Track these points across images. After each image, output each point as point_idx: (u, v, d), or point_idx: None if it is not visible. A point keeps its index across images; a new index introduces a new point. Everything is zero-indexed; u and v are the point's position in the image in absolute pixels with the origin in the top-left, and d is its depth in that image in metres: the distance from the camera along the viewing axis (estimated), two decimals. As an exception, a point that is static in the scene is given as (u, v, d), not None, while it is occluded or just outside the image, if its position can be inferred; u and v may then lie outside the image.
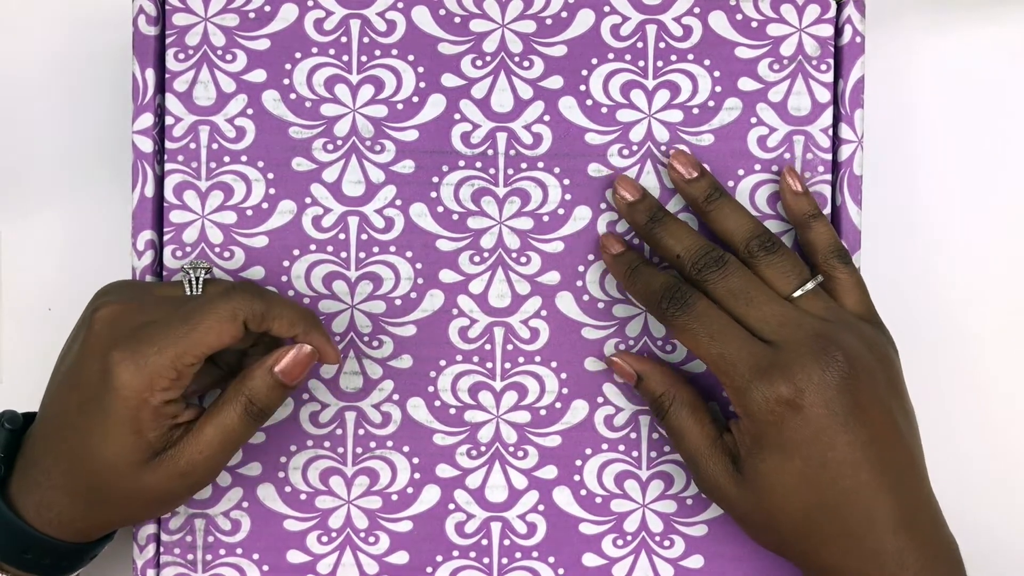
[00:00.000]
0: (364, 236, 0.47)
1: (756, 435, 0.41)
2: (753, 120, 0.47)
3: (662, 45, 0.47)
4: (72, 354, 0.42)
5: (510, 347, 0.47)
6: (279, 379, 0.42)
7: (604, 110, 0.47)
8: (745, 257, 0.44)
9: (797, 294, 0.43)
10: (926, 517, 0.42)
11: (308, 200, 0.47)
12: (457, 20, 0.47)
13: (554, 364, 0.47)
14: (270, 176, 0.47)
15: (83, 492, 0.42)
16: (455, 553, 0.47)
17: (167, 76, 0.47)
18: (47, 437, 0.42)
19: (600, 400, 0.47)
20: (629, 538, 0.47)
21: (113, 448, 0.41)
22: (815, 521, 0.41)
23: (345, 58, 0.47)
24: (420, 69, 0.47)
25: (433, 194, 0.47)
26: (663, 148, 0.47)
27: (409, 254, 0.47)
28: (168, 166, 0.47)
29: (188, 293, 0.43)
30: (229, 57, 0.47)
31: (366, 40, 0.47)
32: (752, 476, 0.42)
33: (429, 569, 0.47)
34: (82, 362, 0.41)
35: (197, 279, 0.43)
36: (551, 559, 0.47)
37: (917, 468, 0.42)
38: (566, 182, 0.47)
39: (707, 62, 0.47)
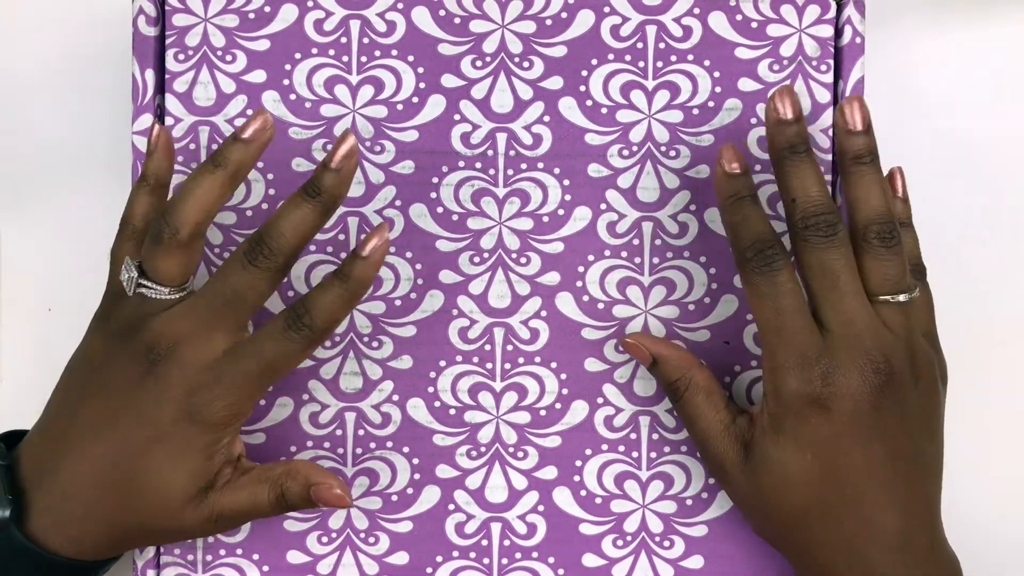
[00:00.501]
0: (364, 236, 0.47)
1: (777, 418, 0.41)
2: (753, 121, 0.47)
3: (662, 46, 0.47)
4: (143, 392, 0.41)
5: (510, 347, 0.47)
6: (311, 498, 0.43)
7: (604, 111, 0.47)
8: (858, 237, 0.42)
9: (884, 298, 0.42)
10: (926, 541, 0.42)
11: (308, 201, 0.47)
12: (457, 21, 0.47)
13: (554, 364, 0.47)
14: (270, 176, 0.47)
15: (125, 526, 0.42)
16: (455, 554, 0.47)
17: (167, 77, 0.47)
18: (93, 472, 0.42)
19: (600, 400, 0.47)
20: (629, 538, 0.47)
21: (178, 481, 0.41)
22: (813, 519, 0.41)
23: (345, 59, 0.47)
24: (420, 70, 0.47)
25: (433, 195, 0.47)
26: (662, 148, 0.47)
27: (409, 255, 0.47)
28: (168, 167, 0.47)
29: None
30: (229, 58, 0.47)
31: (366, 41, 0.47)
32: (760, 459, 0.42)
33: (429, 570, 0.47)
34: (159, 404, 0.41)
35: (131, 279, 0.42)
36: (551, 559, 0.47)
37: (928, 496, 0.42)
38: (566, 183, 0.47)
39: (707, 63, 0.47)
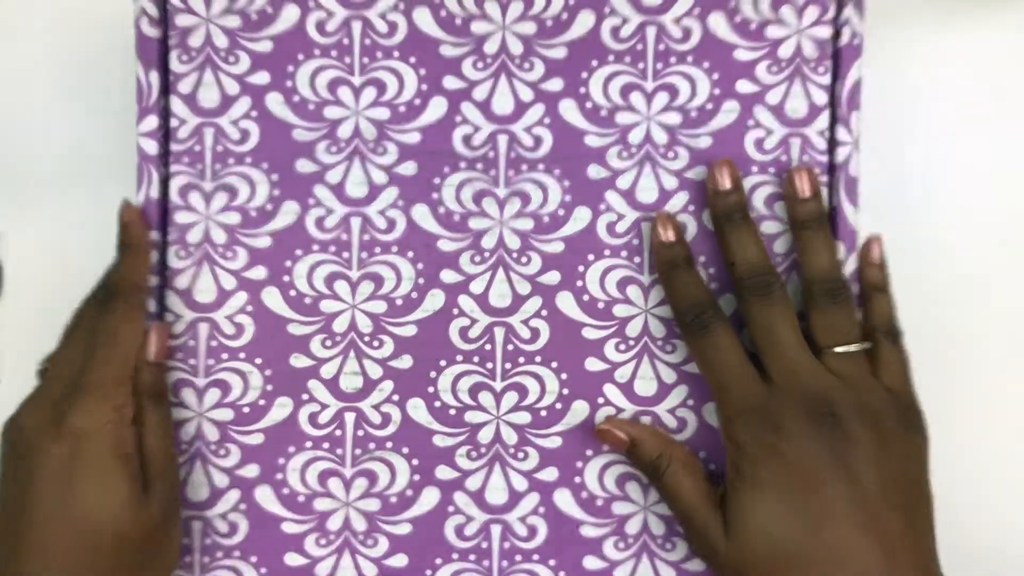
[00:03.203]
0: (366, 237, 0.47)
1: (738, 467, 0.42)
2: (750, 123, 0.47)
3: (662, 47, 0.47)
4: (23, 474, 0.42)
5: (510, 347, 0.47)
6: (158, 361, 0.46)
7: (603, 113, 0.47)
8: (807, 295, 0.44)
9: (837, 350, 0.43)
10: None
11: (312, 201, 0.47)
12: (458, 22, 0.47)
13: (554, 364, 0.47)
14: (274, 178, 0.47)
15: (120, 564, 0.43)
16: (455, 556, 0.47)
17: (171, 78, 0.47)
18: (35, 543, 0.42)
19: (601, 401, 0.47)
20: (630, 540, 0.47)
21: (115, 494, 0.42)
22: (796, 568, 0.41)
23: (347, 60, 0.47)
24: (422, 71, 0.47)
25: (435, 195, 0.47)
26: (661, 150, 0.47)
27: (410, 254, 0.47)
28: (173, 168, 0.47)
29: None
30: (232, 59, 0.47)
31: (368, 42, 0.47)
32: (734, 515, 0.42)
33: (428, 572, 0.47)
34: (41, 463, 0.42)
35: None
36: (552, 562, 0.47)
37: (915, 540, 0.41)
38: (566, 183, 0.47)
39: (706, 64, 0.47)
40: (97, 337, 0.44)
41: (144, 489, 0.43)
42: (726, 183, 0.46)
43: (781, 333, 0.43)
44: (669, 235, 0.46)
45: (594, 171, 0.47)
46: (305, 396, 0.47)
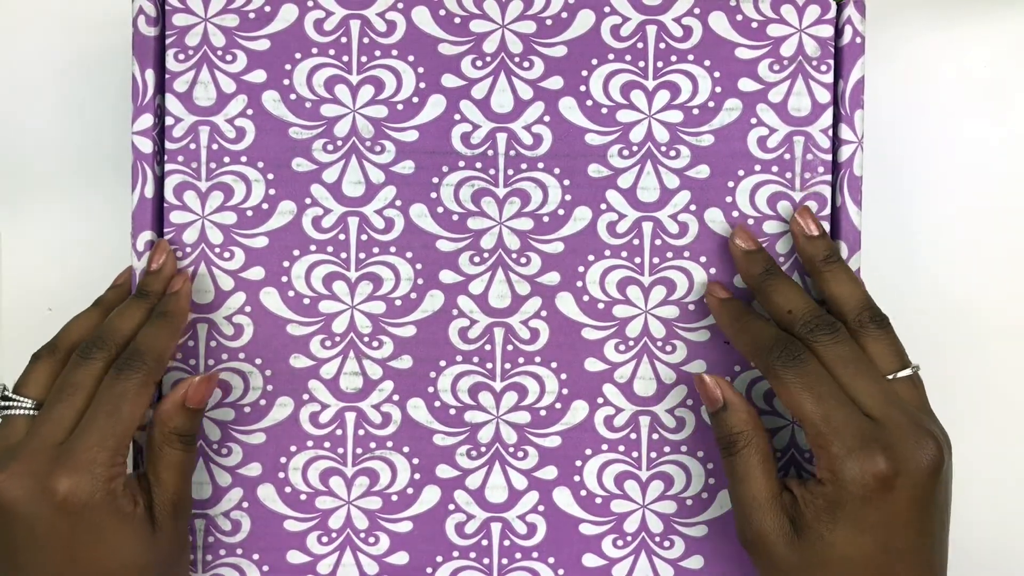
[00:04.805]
0: (364, 236, 0.47)
1: (835, 503, 0.40)
2: (753, 121, 0.47)
3: (662, 46, 0.47)
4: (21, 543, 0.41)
5: (510, 347, 0.47)
6: (193, 408, 0.44)
7: (604, 111, 0.47)
8: (854, 326, 0.43)
9: (893, 376, 0.43)
10: None
11: (308, 200, 0.47)
12: (457, 21, 0.47)
13: (554, 364, 0.47)
14: (270, 176, 0.47)
15: None
16: (455, 554, 0.47)
17: (167, 77, 0.47)
18: None
19: (600, 400, 0.47)
20: (629, 539, 0.47)
21: (121, 553, 0.42)
22: None
23: (345, 58, 0.47)
24: (420, 70, 0.47)
25: (433, 195, 0.47)
26: (663, 149, 0.47)
27: (409, 255, 0.47)
28: (168, 167, 0.47)
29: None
30: (229, 57, 0.47)
31: (366, 40, 0.47)
32: (813, 540, 0.41)
33: (429, 570, 0.47)
34: (37, 528, 0.41)
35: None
36: (551, 559, 0.47)
37: (933, 563, 0.42)
38: (566, 183, 0.47)
39: (707, 63, 0.47)
40: (102, 405, 0.42)
41: (153, 527, 0.43)
42: (750, 244, 0.46)
43: (863, 364, 0.42)
44: (724, 292, 0.46)
45: (594, 170, 0.47)
46: (306, 396, 0.47)
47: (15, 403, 0.43)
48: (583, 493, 0.47)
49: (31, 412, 0.43)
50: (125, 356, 0.43)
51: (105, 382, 0.42)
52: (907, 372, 0.43)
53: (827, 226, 0.47)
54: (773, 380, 0.42)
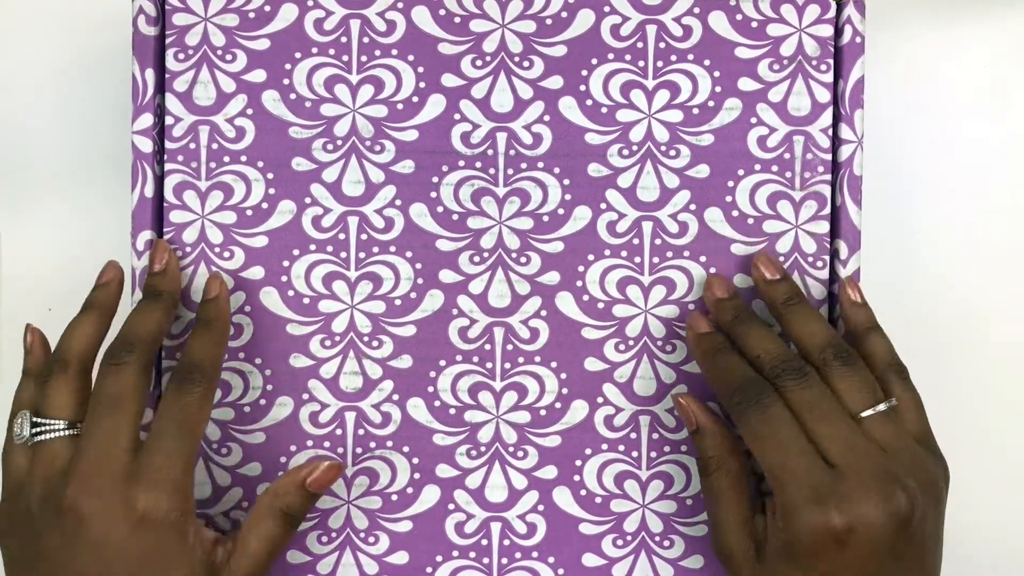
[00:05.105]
0: (364, 236, 0.47)
1: (790, 547, 0.40)
2: (753, 120, 0.47)
3: (662, 45, 0.47)
4: (88, 535, 0.40)
5: (510, 347, 0.47)
6: (311, 491, 0.44)
7: (604, 110, 0.47)
8: (819, 365, 0.43)
9: (866, 414, 0.42)
10: None
11: (308, 200, 0.47)
12: (457, 20, 0.47)
13: (554, 364, 0.47)
14: (270, 176, 0.47)
15: None
16: (455, 553, 0.47)
17: (167, 76, 0.47)
18: None
19: (600, 400, 0.47)
20: (629, 538, 0.47)
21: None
22: None
23: (345, 58, 0.47)
24: (420, 69, 0.47)
25: (433, 194, 0.47)
26: (662, 148, 0.47)
27: (409, 254, 0.47)
28: (168, 166, 0.47)
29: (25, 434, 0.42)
30: (229, 57, 0.47)
31: (366, 40, 0.47)
32: (771, 571, 0.41)
33: (429, 569, 0.47)
34: (109, 533, 0.40)
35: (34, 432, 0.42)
36: (551, 559, 0.47)
37: None
38: (566, 182, 0.47)
39: (707, 62, 0.47)
40: (169, 421, 0.42)
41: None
42: (724, 293, 0.46)
43: (828, 408, 0.41)
44: (703, 329, 0.45)
45: (594, 169, 0.47)
46: (305, 396, 0.47)
47: (47, 426, 0.42)
48: (583, 493, 0.47)
49: (67, 433, 0.42)
50: (183, 371, 0.43)
51: (167, 398, 0.42)
52: (877, 408, 0.42)
53: (827, 226, 0.47)
54: (737, 421, 0.42)
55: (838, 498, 0.39)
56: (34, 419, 0.42)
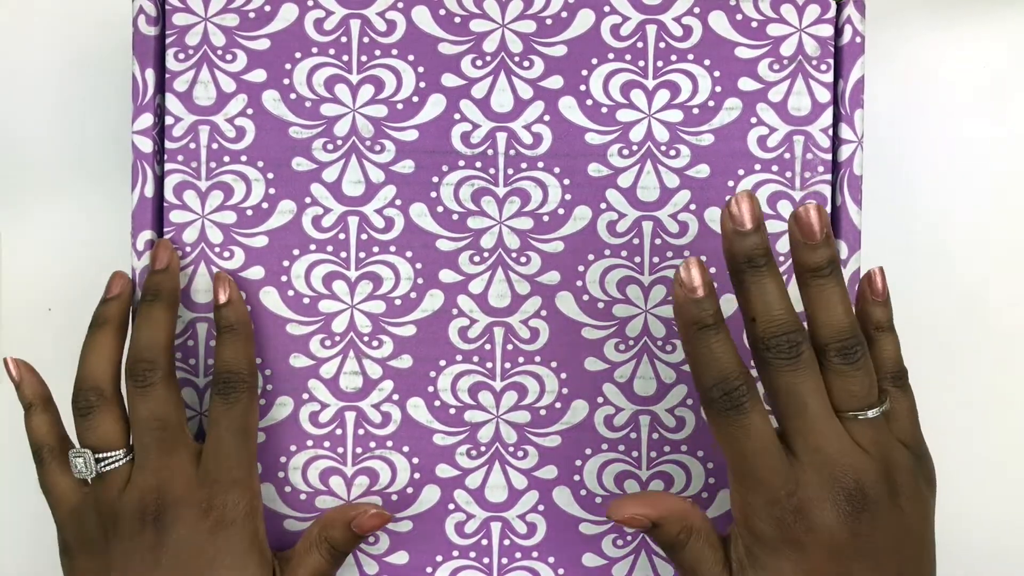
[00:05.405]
0: (364, 236, 0.47)
1: (754, 554, 0.40)
2: (753, 120, 0.47)
3: (662, 45, 0.47)
4: (171, 547, 0.42)
5: (510, 347, 0.47)
6: (356, 532, 0.45)
7: (604, 110, 0.47)
8: (821, 352, 0.40)
9: (852, 415, 0.39)
10: None
11: (308, 200, 0.47)
12: (457, 20, 0.47)
13: (554, 364, 0.47)
14: (270, 176, 0.47)
15: None
16: (455, 553, 0.47)
17: (167, 76, 0.47)
18: None
19: (600, 400, 0.47)
20: (629, 538, 0.47)
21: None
22: None
23: (345, 58, 0.47)
24: (420, 69, 0.47)
25: (433, 194, 0.47)
26: (662, 148, 0.47)
27: (409, 254, 0.47)
28: (168, 166, 0.47)
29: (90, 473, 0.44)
30: (229, 57, 0.47)
31: (366, 40, 0.47)
32: None
33: (429, 569, 0.47)
34: (190, 539, 0.43)
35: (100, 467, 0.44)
36: (551, 559, 0.47)
37: None
38: (566, 182, 0.47)
39: (707, 62, 0.47)
40: (222, 431, 0.44)
41: None
42: (747, 221, 0.39)
43: (810, 404, 0.39)
44: (696, 287, 0.39)
45: (594, 169, 0.47)
46: (305, 396, 0.47)
47: (108, 459, 0.44)
48: (583, 492, 0.47)
49: (126, 460, 0.44)
50: (222, 382, 0.44)
51: (215, 411, 0.44)
52: (868, 414, 0.39)
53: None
54: (707, 414, 0.40)
55: (792, 504, 0.38)
56: (98, 456, 0.44)
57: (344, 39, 0.47)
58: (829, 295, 0.39)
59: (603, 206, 0.47)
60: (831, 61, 0.47)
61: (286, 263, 0.47)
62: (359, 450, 0.47)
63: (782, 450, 0.39)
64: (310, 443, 0.47)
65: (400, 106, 0.47)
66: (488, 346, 0.47)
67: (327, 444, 0.47)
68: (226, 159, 0.47)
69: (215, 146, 0.47)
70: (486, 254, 0.47)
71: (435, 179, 0.47)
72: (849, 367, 0.39)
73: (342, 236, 0.47)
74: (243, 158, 0.47)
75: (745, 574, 0.40)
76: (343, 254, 0.47)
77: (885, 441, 0.40)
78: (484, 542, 0.47)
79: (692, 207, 0.47)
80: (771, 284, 0.39)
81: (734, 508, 0.40)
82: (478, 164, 0.47)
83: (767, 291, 0.39)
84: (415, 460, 0.47)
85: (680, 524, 0.41)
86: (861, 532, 0.38)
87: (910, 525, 0.39)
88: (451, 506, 0.47)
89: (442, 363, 0.47)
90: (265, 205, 0.47)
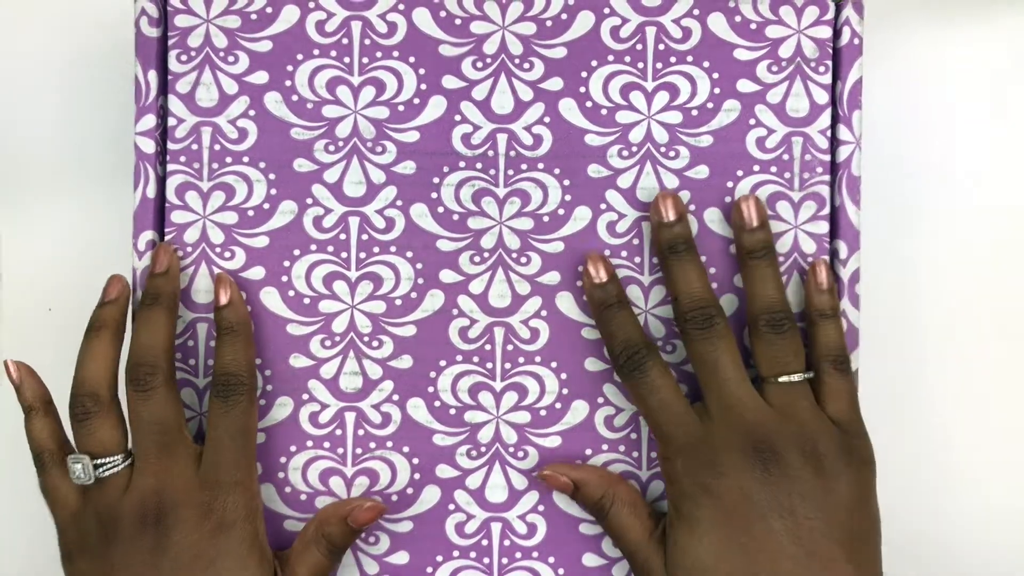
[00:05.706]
0: (365, 236, 0.47)
1: (676, 505, 0.43)
2: (752, 121, 0.47)
3: (661, 47, 0.47)
4: (171, 549, 0.43)
5: (510, 347, 0.47)
6: (352, 527, 0.45)
7: (604, 111, 0.47)
8: (751, 325, 0.45)
9: (780, 380, 0.44)
10: None
11: (309, 200, 0.47)
12: (458, 22, 0.47)
13: (554, 364, 0.47)
14: (271, 177, 0.47)
15: None
16: (455, 553, 0.47)
17: (169, 78, 0.47)
18: None
19: (600, 400, 0.47)
20: (629, 538, 0.47)
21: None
22: None
23: (346, 60, 0.47)
24: (421, 71, 0.47)
25: (434, 195, 0.47)
26: (662, 149, 0.47)
27: (409, 254, 0.47)
28: (170, 167, 0.47)
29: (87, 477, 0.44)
30: (231, 59, 0.47)
31: (367, 42, 0.47)
32: (673, 548, 0.43)
33: (429, 569, 0.47)
34: (191, 542, 0.43)
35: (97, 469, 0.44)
36: (551, 559, 0.47)
37: (861, 573, 0.41)
38: (566, 183, 0.47)
39: (706, 64, 0.47)
40: (221, 433, 0.44)
41: None
42: (670, 215, 0.45)
43: (722, 367, 0.43)
44: (601, 275, 0.45)
45: (594, 170, 0.47)
46: (305, 396, 0.47)
47: (107, 464, 0.44)
48: (583, 493, 0.47)
49: (125, 464, 0.44)
50: (222, 383, 0.44)
51: (215, 413, 0.44)
52: (792, 378, 0.43)
53: (826, 226, 0.47)
54: (621, 379, 0.45)
55: (703, 452, 0.42)
56: (97, 461, 0.44)
57: (345, 41, 0.47)
58: (763, 273, 0.45)
59: (603, 207, 0.47)
60: (829, 63, 0.47)
61: (287, 263, 0.47)
62: (359, 450, 0.47)
63: (689, 406, 0.44)
64: (310, 443, 0.47)
65: (401, 108, 0.47)
66: (488, 346, 0.47)
67: (327, 444, 0.47)
68: (228, 160, 0.47)
69: (217, 147, 0.47)
70: (486, 254, 0.47)
71: (436, 180, 0.47)
72: (776, 336, 0.44)
73: (343, 236, 0.47)
74: (245, 159, 0.47)
75: (673, 529, 0.43)
76: (344, 254, 0.47)
77: (803, 407, 0.43)
78: (484, 542, 0.47)
79: (691, 208, 0.47)
80: (690, 266, 0.45)
81: (661, 468, 0.45)
82: (479, 165, 0.47)
83: (687, 272, 0.45)
84: (415, 460, 0.47)
85: (601, 490, 0.45)
86: (774, 485, 0.41)
87: (838, 495, 0.42)
88: (451, 506, 0.47)
89: (442, 363, 0.47)
90: (266, 206, 0.47)
